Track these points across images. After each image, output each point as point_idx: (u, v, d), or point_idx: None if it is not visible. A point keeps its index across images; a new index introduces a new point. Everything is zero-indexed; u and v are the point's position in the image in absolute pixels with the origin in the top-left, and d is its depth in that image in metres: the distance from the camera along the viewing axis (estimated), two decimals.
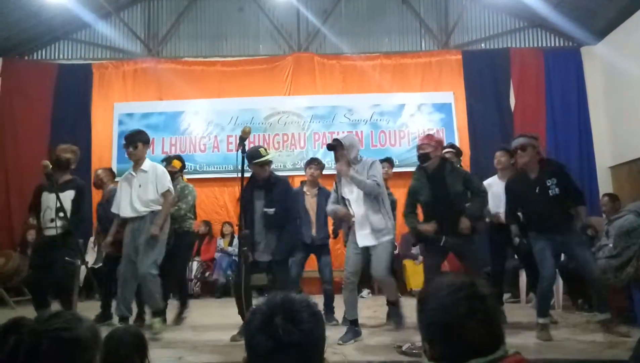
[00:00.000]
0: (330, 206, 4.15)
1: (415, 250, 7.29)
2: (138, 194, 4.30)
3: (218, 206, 8.08)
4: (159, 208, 4.30)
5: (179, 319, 4.90)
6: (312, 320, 1.05)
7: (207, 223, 7.57)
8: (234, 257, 7.41)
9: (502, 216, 4.51)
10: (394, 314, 4.22)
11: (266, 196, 4.05)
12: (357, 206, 3.93)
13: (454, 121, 8.27)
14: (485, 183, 4.93)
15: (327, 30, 8.83)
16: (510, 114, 8.39)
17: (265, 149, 4.14)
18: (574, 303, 5.31)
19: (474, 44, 8.86)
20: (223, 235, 7.63)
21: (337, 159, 3.98)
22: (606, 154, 8.07)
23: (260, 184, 4.09)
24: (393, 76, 8.56)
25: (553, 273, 3.99)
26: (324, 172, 8.22)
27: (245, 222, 3.97)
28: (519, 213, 4.19)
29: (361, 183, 3.81)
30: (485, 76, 8.44)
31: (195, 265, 7.05)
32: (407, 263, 7.09)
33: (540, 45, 8.82)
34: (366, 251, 3.94)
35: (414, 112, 8.33)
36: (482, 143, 7.98)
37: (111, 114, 8.36)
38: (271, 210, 3.99)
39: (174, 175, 5.01)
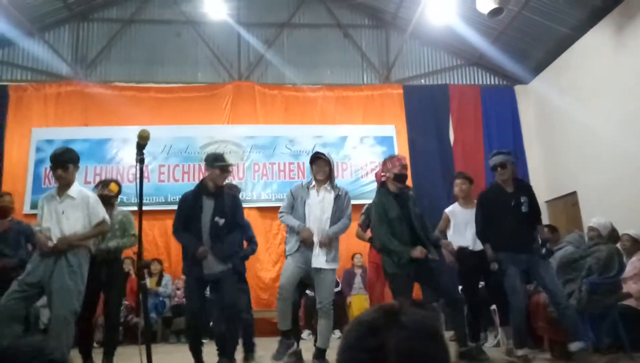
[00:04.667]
0: (288, 218, 3.86)
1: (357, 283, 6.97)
2: (59, 222, 3.56)
3: (147, 242, 7.37)
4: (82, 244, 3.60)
5: None
6: None
7: (131, 261, 6.82)
8: (162, 298, 6.74)
9: (468, 242, 4.45)
10: None
11: (217, 205, 3.75)
12: (319, 224, 3.78)
13: (395, 153, 8.21)
14: (447, 210, 4.84)
15: (269, 60, 8.65)
16: (450, 148, 8.46)
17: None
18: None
19: (414, 79, 8.98)
20: (150, 274, 6.93)
21: (316, 172, 3.87)
22: (542, 188, 8.24)
23: (211, 192, 3.79)
24: (335, 108, 8.45)
25: (525, 304, 3.90)
26: (262, 204, 7.84)
27: (186, 232, 3.72)
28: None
29: (341, 231, 3.87)
30: (425, 111, 8.52)
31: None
32: (358, 298, 6.75)
33: (477, 82, 9.09)
34: (307, 276, 3.75)
35: (357, 145, 8.21)
36: (423, 176, 7.97)
37: (28, 140, 7.58)
38: (222, 220, 3.71)
39: (110, 200, 4.39)
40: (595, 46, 6.96)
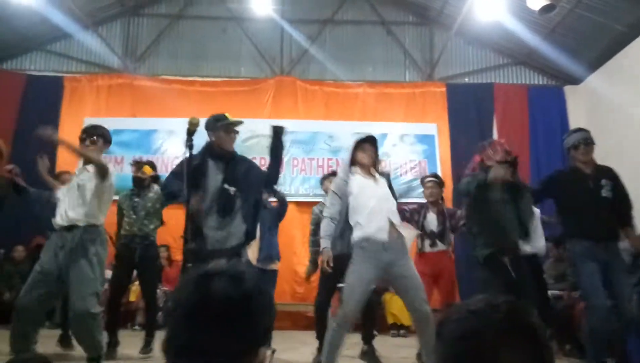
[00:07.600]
0: None
1: None
2: (77, 195, 3.30)
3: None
4: (99, 222, 3.32)
5: (145, 350, 4.24)
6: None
7: (166, 248, 6.83)
8: None
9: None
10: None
11: (227, 170, 3.15)
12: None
13: (436, 153, 8.09)
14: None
15: (311, 56, 8.69)
16: None
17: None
18: (561, 349, 4.91)
19: (458, 77, 8.80)
20: None
21: (364, 156, 3.36)
22: None
23: (220, 153, 3.19)
24: (376, 105, 8.40)
25: (605, 305, 3.24)
26: (300, 199, 7.87)
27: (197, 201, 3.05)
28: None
29: None
30: (468, 110, 8.33)
31: (159, 293, 6.46)
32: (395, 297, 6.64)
33: (523, 82, 8.80)
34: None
35: (397, 142, 8.13)
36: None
37: (80, 129, 7.91)
38: (232, 189, 3.11)
39: (143, 182, 4.52)
40: None
